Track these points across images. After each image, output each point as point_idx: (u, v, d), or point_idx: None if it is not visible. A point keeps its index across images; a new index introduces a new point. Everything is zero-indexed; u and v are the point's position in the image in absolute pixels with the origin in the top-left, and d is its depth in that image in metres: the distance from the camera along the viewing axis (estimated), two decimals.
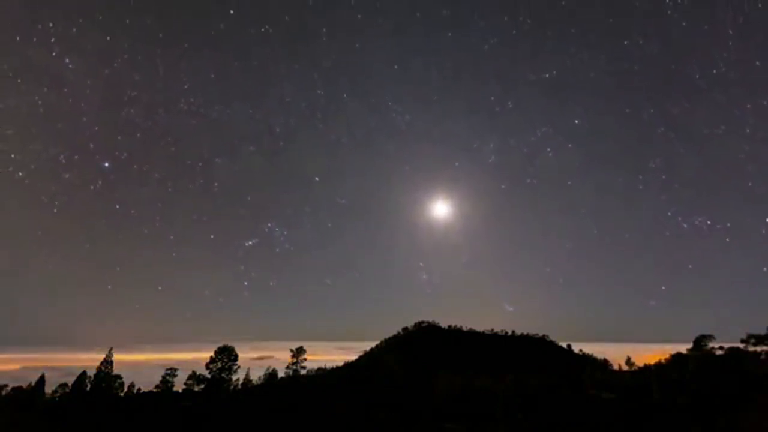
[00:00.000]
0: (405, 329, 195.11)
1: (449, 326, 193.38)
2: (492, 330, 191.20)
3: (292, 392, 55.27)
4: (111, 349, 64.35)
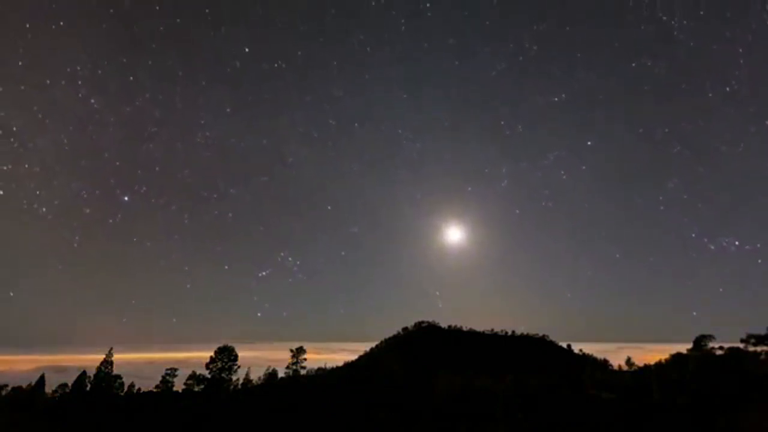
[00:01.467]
0: (405, 329, 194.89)
1: (449, 326, 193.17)
2: (492, 330, 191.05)
3: (292, 392, 55.26)
4: (111, 349, 64.50)
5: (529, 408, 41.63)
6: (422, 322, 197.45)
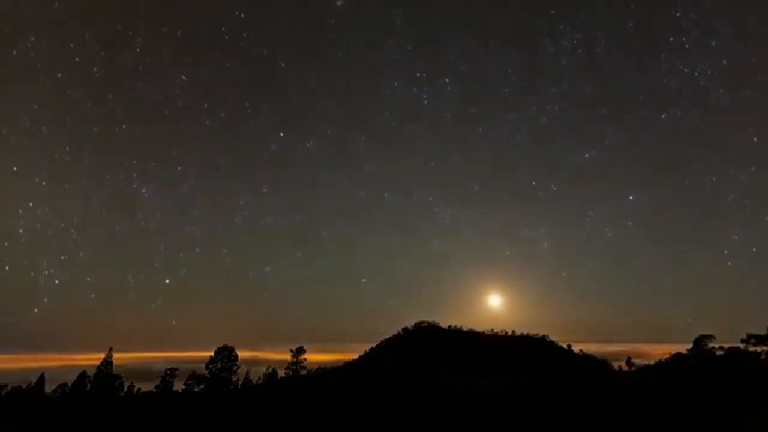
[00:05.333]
0: (405, 329, 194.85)
1: (449, 326, 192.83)
2: (492, 330, 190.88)
3: (292, 392, 55.25)
4: (111, 349, 64.53)
5: (529, 408, 41.63)
6: (422, 322, 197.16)
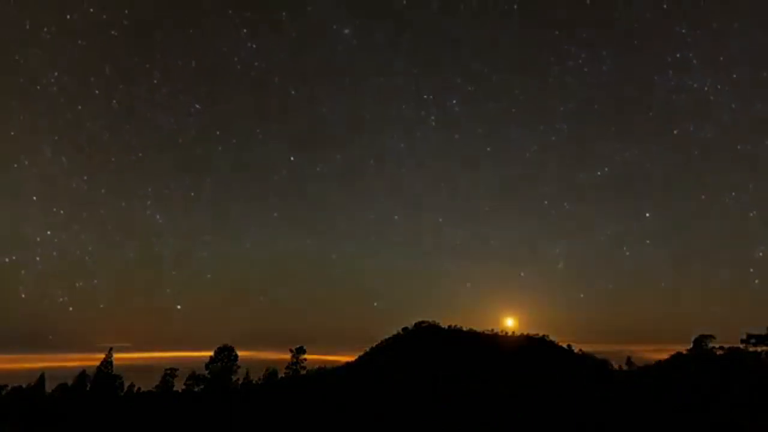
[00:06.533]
0: (405, 329, 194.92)
1: (449, 326, 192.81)
2: (492, 330, 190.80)
3: (292, 392, 55.26)
4: (111, 349, 64.49)
5: (529, 408, 41.64)
6: (422, 322, 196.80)
